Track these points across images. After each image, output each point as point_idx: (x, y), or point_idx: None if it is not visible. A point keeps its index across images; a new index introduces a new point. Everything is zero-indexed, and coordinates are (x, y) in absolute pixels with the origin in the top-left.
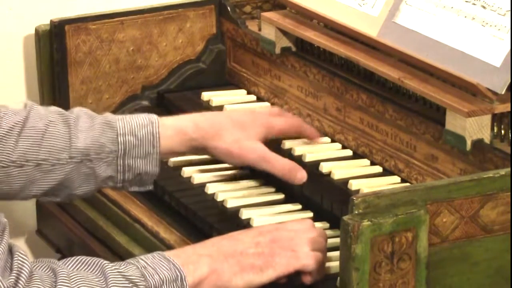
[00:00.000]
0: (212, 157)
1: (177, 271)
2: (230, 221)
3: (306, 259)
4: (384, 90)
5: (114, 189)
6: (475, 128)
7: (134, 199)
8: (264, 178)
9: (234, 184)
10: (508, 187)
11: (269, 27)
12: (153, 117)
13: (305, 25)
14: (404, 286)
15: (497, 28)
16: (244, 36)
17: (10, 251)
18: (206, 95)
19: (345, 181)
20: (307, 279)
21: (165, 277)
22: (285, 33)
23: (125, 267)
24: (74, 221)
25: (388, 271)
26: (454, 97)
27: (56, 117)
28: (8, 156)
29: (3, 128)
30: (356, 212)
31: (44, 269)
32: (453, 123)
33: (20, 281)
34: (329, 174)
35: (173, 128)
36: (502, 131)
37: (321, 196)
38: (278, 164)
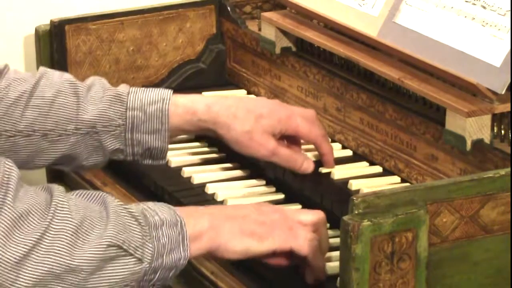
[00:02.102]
0: (213, 158)
1: (177, 217)
2: None
3: (302, 241)
4: (384, 90)
5: (128, 161)
6: (475, 128)
7: (134, 199)
8: (264, 178)
9: (234, 184)
10: (508, 187)
11: (269, 27)
12: (166, 93)
13: (305, 25)
14: (404, 286)
15: (497, 28)
16: (244, 36)
17: None
18: (206, 95)
19: (345, 181)
20: (308, 277)
21: (166, 218)
22: (285, 33)
23: (126, 204)
24: None
25: (388, 271)
26: (454, 97)
27: (66, 87)
28: (15, 126)
29: (10, 97)
30: (356, 212)
31: (39, 188)
32: (453, 123)
33: (10, 185)
34: (329, 174)
35: (184, 107)
36: (502, 131)
37: (321, 196)
38: (287, 158)
